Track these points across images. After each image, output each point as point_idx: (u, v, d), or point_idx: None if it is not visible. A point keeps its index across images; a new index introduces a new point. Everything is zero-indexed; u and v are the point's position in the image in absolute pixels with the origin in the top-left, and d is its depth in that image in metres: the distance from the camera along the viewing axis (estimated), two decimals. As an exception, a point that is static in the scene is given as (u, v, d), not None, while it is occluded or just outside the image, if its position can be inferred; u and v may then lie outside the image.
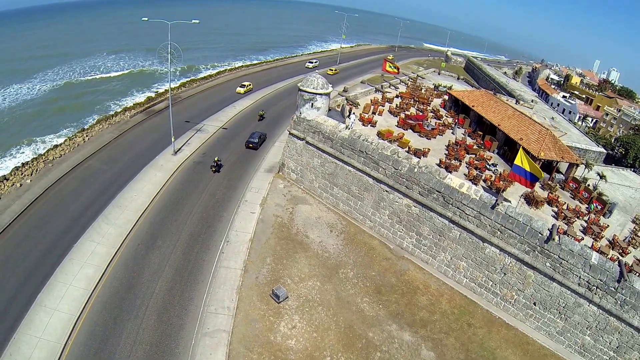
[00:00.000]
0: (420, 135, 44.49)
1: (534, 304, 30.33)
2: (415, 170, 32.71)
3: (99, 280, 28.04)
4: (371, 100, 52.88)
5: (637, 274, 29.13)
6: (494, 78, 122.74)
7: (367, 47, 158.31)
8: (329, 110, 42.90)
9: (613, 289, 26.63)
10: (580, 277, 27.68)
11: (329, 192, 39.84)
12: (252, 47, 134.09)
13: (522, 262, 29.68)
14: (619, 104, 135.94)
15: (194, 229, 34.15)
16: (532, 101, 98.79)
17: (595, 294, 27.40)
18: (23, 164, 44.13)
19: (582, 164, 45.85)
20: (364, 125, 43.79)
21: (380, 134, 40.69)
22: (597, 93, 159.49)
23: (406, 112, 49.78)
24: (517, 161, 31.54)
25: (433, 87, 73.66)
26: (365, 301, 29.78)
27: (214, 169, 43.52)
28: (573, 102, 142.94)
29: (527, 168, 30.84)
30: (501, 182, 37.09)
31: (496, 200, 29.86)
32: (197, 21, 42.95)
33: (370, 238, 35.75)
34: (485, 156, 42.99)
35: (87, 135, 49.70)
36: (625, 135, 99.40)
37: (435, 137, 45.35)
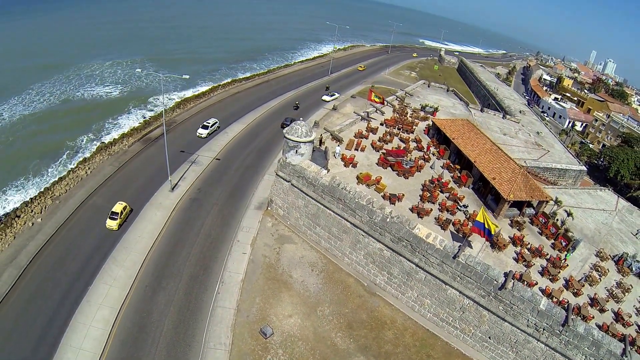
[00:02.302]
0: (398, 175, 51.01)
1: (489, 338, 37.22)
2: (388, 220, 39.28)
3: (115, 321, 34.70)
4: (355, 134, 59.28)
5: (583, 317, 35.20)
6: (484, 85, 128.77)
7: (360, 50, 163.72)
8: (314, 151, 49.30)
9: (558, 332, 32.83)
10: (528, 320, 33.98)
11: (312, 230, 46.58)
12: (245, 54, 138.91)
13: (479, 303, 36.24)
14: (609, 108, 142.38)
15: (192, 270, 40.83)
16: (520, 112, 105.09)
17: (542, 334, 33.75)
18: (32, 199, 50.05)
19: (552, 200, 51.21)
20: (345, 166, 50.27)
21: (359, 178, 47.27)
22: (588, 94, 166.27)
23: (386, 148, 56.08)
24: (478, 218, 38.19)
25: (420, 107, 79.87)
26: (339, 336, 36.72)
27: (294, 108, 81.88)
28: (565, 104, 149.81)
29: (486, 225, 37.57)
30: (469, 226, 43.33)
31: (458, 250, 36.33)
32: (187, 76, 48.77)
33: (347, 276, 42.66)
34: (458, 195, 49.48)
35: (88, 168, 55.78)
36: (609, 148, 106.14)
37: (413, 175, 51.83)
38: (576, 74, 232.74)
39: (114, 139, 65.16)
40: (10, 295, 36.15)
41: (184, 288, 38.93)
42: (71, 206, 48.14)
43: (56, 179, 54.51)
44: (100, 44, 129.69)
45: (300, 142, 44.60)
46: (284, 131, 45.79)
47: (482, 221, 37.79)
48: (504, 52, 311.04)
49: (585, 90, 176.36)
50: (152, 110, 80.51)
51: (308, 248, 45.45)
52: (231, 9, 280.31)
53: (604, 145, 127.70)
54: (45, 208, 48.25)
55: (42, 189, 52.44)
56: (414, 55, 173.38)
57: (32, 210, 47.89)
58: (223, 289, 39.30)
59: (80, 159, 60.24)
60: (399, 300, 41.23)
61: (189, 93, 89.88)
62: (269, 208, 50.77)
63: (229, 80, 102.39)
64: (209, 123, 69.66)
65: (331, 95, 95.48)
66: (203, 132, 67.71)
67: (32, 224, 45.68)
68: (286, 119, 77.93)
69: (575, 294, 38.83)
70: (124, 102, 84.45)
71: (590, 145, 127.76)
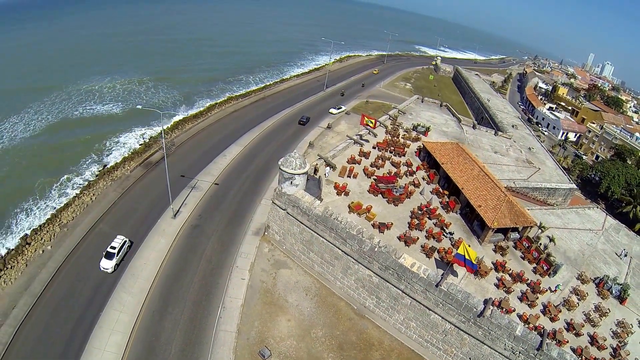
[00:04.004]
0: (388, 202, 55.77)
1: (470, 359, 41.86)
2: (376, 250, 43.99)
3: (126, 345, 39.28)
4: (348, 159, 64.11)
5: (558, 342, 39.76)
6: (478, 97, 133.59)
7: (356, 61, 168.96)
8: (308, 180, 53.92)
9: (533, 355, 37.13)
10: (505, 344, 38.54)
11: (306, 255, 51.36)
12: (241, 67, 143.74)
13: (459, 328, 40.86)
14: (603, 118, 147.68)
15: (196, 296, 45.56)
16: (513, 126, 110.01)
17: (518, 357, 38.16)
18: (40, 226, 54.42)
19: (536, 225, 55.06)
20: (337, 194, 55.02)
21: (350, 207, 52.05)
22: (583, 103, 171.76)
23: (377, 175, 60.81)
24: (460, 251, 42.89)
25: (412, 127, 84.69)
26: (331, 357, 41.45)
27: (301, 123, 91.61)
28: (559, 114, 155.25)
29: (467, 257, 42.28)
30: (453, 253, 47.46)
31: (441, 279, 40.84)
32: (187, 114, 53.32)
33: (338, 300, 47.49)
34: (445, 221, 54.08)
35: (93, 194, 60.35)
36: (600, 163, 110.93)
37: (403, 202, 56.54)
38: (572, 79, 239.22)
39: (116, 163, 69.79)
40: (26, 322, 40.49)
41: (188, 313, 43.60)
42: (79, 233, 52.63)
43: (62, 206, 58.82)
44: (97, 61, 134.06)
45: (294, 174, 49.24)
46: (279, 163, 50.33)
47: (463, 254, 42.52)
48: (502, 57, 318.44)
49: (581, 97, 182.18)
50: (152, 129, 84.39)
51: (302, 273, 50.17)
52: (226, 19, 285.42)
53: (597, 157, 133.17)
54: (54, 236, 52.73)
55: (50, 216, 56.75)
56: (433, 63, 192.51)
57: (41, 238, 52.26)
58: (224, 313, 43.97)
59: (85, 183, 64.75)
60: (386, 323, 46.00)
61: (187, 112, 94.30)
62: (265, 233, 55.51)
63: (226, 97, 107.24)
64: (115, 247, 48.39)
65: (338, 109, 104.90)
66: (108, 266, 47.01)
67: (43, 251, 50.13)
68: (302, 117, 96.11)
69: (552, 319, 43.13)
70: (124, 121, 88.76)
71: (584, 157, 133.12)
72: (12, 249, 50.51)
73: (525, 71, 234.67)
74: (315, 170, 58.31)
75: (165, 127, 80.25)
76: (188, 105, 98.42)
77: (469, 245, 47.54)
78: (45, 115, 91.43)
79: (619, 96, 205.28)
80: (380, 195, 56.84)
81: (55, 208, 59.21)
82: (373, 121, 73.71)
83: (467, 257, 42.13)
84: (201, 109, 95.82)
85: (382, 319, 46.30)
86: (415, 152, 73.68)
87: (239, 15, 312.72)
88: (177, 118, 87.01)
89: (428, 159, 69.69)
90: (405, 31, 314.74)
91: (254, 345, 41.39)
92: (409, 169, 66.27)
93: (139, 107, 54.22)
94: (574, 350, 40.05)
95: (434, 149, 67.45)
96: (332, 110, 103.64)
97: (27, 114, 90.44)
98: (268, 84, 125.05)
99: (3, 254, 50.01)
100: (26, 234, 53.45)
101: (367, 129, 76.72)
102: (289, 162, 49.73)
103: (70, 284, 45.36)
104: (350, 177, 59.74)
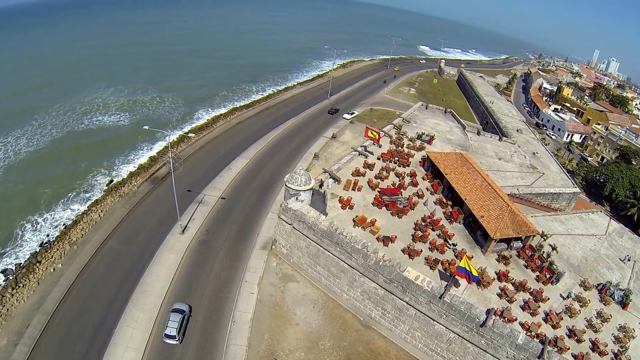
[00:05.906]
0: (392, 214, 57.74)
1: (473, 367, 43.94)
2: (380, 263, 46.06)
3: (141, 362, 41.49)
4: (352, 172, 66.18)
5: (559, 349, 41.34)
6: (482, 101, 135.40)
7: (360, 66, 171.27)
8: (313, 194, 56.04)
9: None
10: (507, 352, 40.59)
11: (313, 268, 53.51)
12: (243, 75, 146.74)
13: (463, 337, 42.94)
14: (609, 118, 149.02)
15: (206, 311, 47.82)
16: (518, 130, 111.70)
17: None
18: (50, 244, 56.76)
19: (539, 234, 56.55)
20: (342, 208, 57.09)
21: (355, 221, 54.10)
22: (589, 102, 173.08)
23: (381, 187, 62.84)
24: (462, 264, 44.83)
25: (416, 135, 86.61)
26: (338, 368, 43.53)
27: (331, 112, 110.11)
28: (564, 115, 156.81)
29: (469, 269, 44.23)
30: (457, 264, 49.32)
31: (444, 291, 42.85)
32: (193, 135, 55.68)
33: (345, 311, 49.66)
34: (449, 232, 55.95)
35: (101, 211, 62.77)
36: (605, 165, 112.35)
37: (407, 214, 58.49)
38: (577, 78, 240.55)
39: (123, 179, 72.19)
40: (40, 340, 42.75)
41: (200, 328, 45.82)
42: (89, 251, 54.98)
43: (71, 223, 61.22)
44: (100, 73, 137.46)
45: (300, 190, 51.40)
46: (285, 179, 52.50)
47: (465, 266, 44.49)
48: (506, 56, 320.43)
49: (586, 97, 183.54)
50: (158, 143, 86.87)
51: (310, 286, 52.34)
52: (226, 24, 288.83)
53: (602, 158, 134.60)
54: (64, 254, 55.07)
55: (59, 233, 59.15)
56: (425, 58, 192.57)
57: (52, 256, 54.64)
58: (235, 327, 46.20)
59: (92, 199, 67.27)
60: (392, 333, 48.13)
61: (192, 124, 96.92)
62: (273, 247, 57.75)
63: (230, 108, 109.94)
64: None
65: (351, 114, 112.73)
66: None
67: (54, 269, 52.44)
68: (331, 108, 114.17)
69: (554, 327, 44.84)
70: (130, 135, 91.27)
71: (590, 159, 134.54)
72: (24, 267, 52.93)
73: (530, 71, 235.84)
74: (321, 185, 60.36)
75: (171, 141, 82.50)
76: (193, 118, 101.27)
77: (472, 257, 49.84)
78: (50, 129, 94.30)
79: (625, 94, 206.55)
80: (384, 207, 58.82)
81: (64, 225, 61.73)
82: (377, 134, 75.47)
83: (473, 273, 44.07)
84: (206, 121, 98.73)
85: (387, 330, 48.40)
86: (420, 162, 75.56)
87: (240, 21, 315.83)
88: (182, 131, 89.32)
89: (432, 169, 71.55)
90: (408, 33, 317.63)
91: (264, 358, 43.51)
92: (413, 179, 68.14)
93: (146, 127, 56.53)
94: (575, 357, 41.76)
95: (438, 159, 69.28)
96: (346, 116, 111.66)
97: (31, 127, 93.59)
98: (271, 92, 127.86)
99: (14, 271, 52.73)
100: (36, 251, 55.86)
101: (372, 142, 78.47)
102: (294, 178, 51.91)
103: (83, 301, 47.64)
104: (354, 190, 61.79)
